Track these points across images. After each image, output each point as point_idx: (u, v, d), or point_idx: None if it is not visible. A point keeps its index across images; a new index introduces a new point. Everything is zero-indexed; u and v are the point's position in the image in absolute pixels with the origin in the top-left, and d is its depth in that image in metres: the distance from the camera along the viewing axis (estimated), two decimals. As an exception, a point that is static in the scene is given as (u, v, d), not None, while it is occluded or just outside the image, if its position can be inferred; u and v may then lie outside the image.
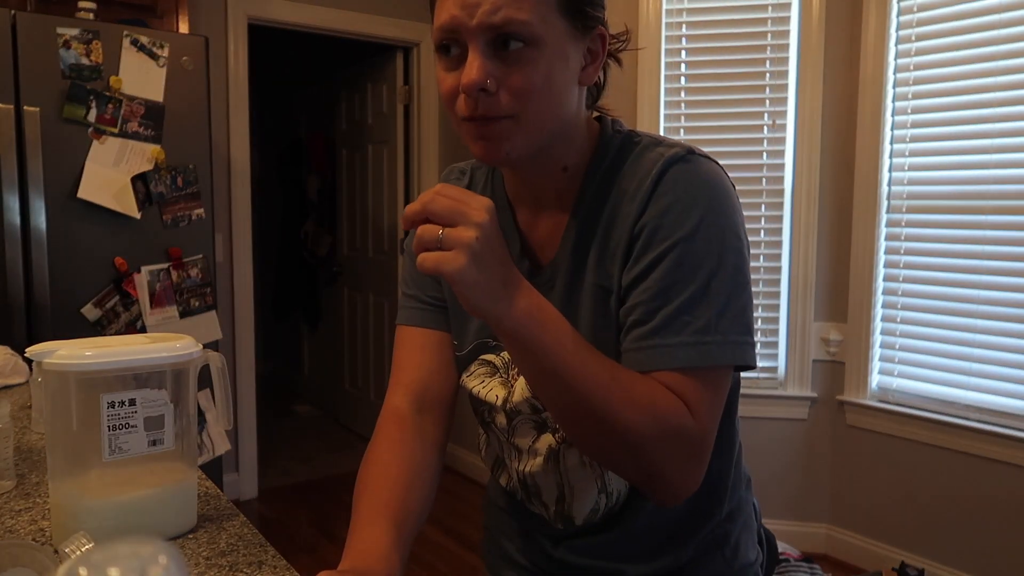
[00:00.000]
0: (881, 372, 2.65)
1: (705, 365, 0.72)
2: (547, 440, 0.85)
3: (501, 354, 0.87)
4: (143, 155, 2.39)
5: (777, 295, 2.73)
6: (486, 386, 0.87)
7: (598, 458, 0.78)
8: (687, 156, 0.77)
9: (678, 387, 0.72)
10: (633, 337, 0.74)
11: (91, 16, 2.36)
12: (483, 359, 0.88)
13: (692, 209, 0.74)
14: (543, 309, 0.69)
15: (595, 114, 0.87)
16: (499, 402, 0.85)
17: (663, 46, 2.77)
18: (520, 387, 0.84)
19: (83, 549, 0.61)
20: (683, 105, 2.79)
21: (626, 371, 0.73)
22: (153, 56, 2.39)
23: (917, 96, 2.51)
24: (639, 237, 0.76)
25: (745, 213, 0.82)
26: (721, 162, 0.82)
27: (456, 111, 0.74)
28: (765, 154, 2.74)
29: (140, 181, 2.39)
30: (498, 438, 0.91)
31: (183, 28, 2.74)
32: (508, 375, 0.86)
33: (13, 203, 2.20)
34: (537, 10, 0.70)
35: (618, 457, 0.74)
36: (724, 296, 0.74)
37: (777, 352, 2.76)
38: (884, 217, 2.60)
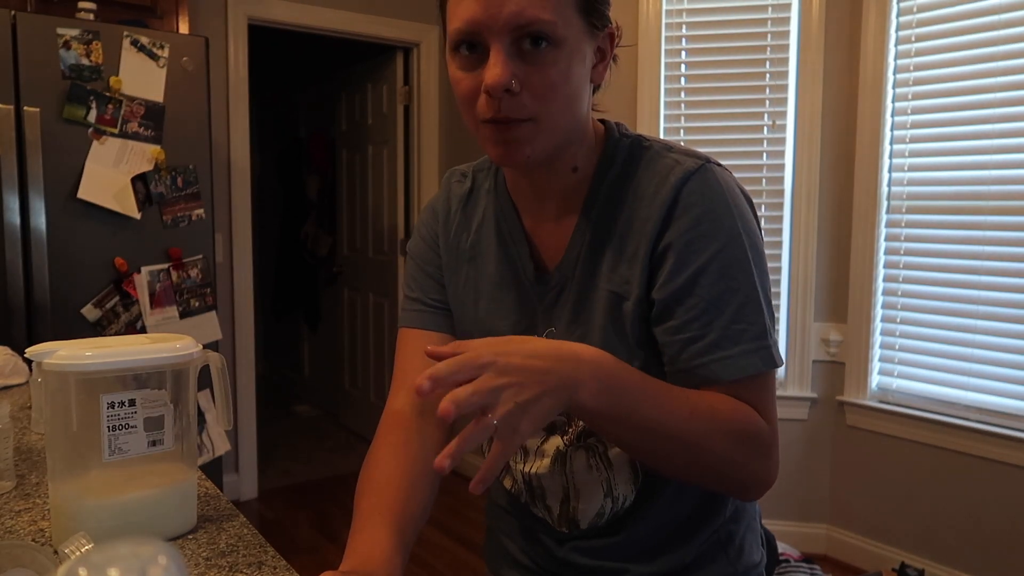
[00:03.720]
0: (881, 372, 2.65)
1: (767, 369, 0.75)
2: (555, 442, 0.85)
3: None
4: (143, 155, 2.39)
5: (777, 295, 2.73)
6: None
7: (684, 479, 0.80)
8: (704, 167, 0.78)
9: (744, 394, 0.75)
10: (693, 353, 0.75)
11: (91, 16, 2.36)
12: None
13: (721, 220, 0.75)
14: (606, 373, 0.68)
15: (597, 115, 0.87)
16: None
17: (663, 46, 2.77)
18: None
19: (83, 550, 0.61)
20: (683, 105, 2.79)
21: (699, 396, 0.74)
22: (153, 56, 2.39)
23: (917, 96, 2.51)
24: (667, 253, 0.76)
25: (745, 213, 0.83)
26: (721, 163, 0.82)
27: (476, 113, 0.73)
28: (765, 154, 2.74)
29: (140, 181, 2.39)
30: None
31: (183, 28, 2.74)
32: None
33: (13, 203, 2.20)
34: (559, 10, 0.70)
35: (706, 476, 0.76)
36: (765, 299, 0.77)
37: (777, 352, 2.75)
38: (884, 217, 2.60)
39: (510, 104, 0.71)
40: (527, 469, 0.88)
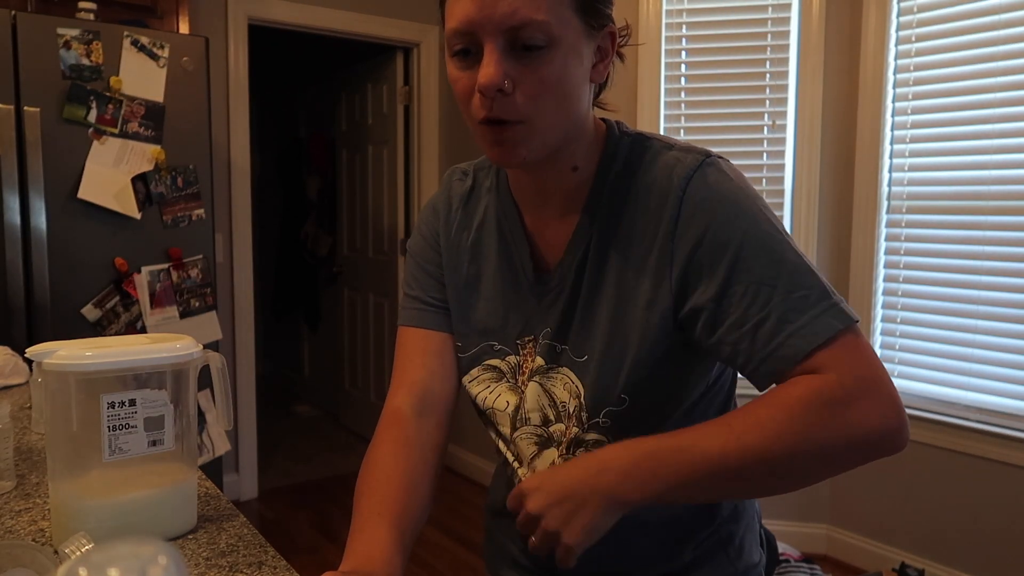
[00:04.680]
0: (881, 372, 2.65)
1: (845, 325, 0.69)
2: (551, 456, 0.84)
3: (507, 358, 0.86)
4: (143, 155, 2.39)
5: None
6: (492, 392, 0.86)
7: (797, 488, 0.74)
8: (705, 162, 0.77)
9: (828, 363, 0.68)
10: (764, 338, 0.70)
11: (91, 16, 2.36)
12: (487, 364, 0.87)
13: (736, 206, 0.74)
14: (635, 463, 0.69)
15: (599, 115, 0.86)
16: (509, 408, 0.85)
17: (663, 46, 2.77)
18: (532, 394, 0.83)
19: (83, 549, 0.61)
20: (683, 105, 2.79)
21: (740, 416, 0.70)
22: (153, 56, 2.39)
23: (917, 96, 2.51)
24: (694, 256, 0.74)
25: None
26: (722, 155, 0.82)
27: (472, 112, 0.73)
28: (765, 154, 2.74)
29: (140, 181, 2.39)
30: (503, 442, 0.90)
31: (183, 28, 2.74)
32: (517, 380, 0.85)
33: (13, 203, 2.20)
34: (554, 9, 0.69)
35: (809, 471, 0.71)
36: (811, 264, 0.73)
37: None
38: (884, 217, 2.60)
39: (503, 104, 0.71)
40: (525, 475, 0.87)
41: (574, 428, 0.82)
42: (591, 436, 0.81)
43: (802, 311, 0.70)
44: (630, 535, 0.85)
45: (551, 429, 0.83)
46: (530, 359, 0.84)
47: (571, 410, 0.81)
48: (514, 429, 0.85)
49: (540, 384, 0.83)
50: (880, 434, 0.68)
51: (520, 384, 0.84)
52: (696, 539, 0.87)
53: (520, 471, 0.88)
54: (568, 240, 0.82)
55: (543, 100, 0.71)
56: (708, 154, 0.78)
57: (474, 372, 0.88)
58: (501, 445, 0.91)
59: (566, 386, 0.81)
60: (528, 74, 0.70)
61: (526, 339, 0.85)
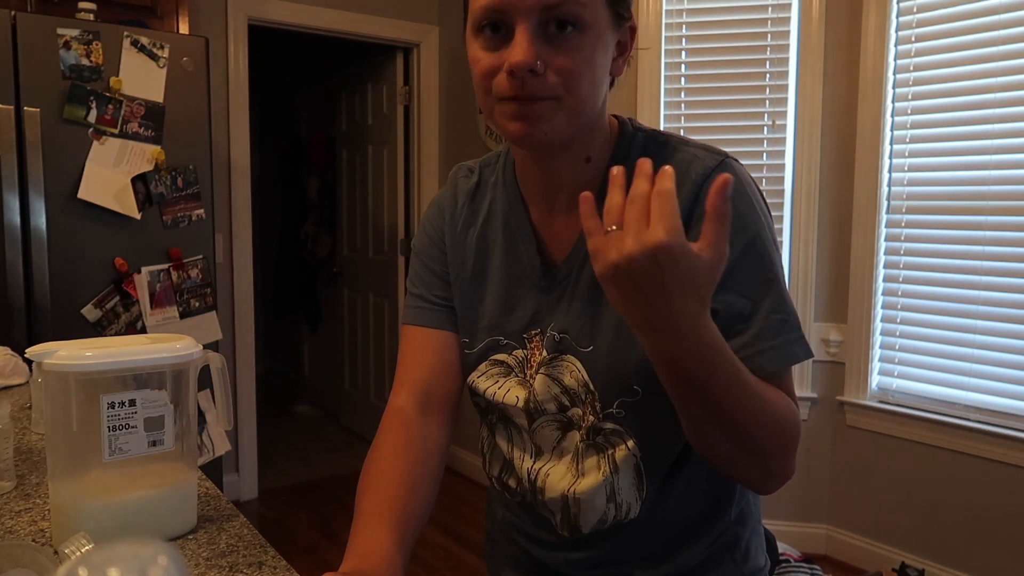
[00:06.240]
0: (881, 372, 2.65)
1: (804, 359, 0.76)
2: (574, 438, 0.83)
3: (514, 352, 0.85)
4: (143, 156, 2.39)
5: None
6: (502, 387, 0.86)
7: (720, 456, 0.75)
8: (724, 162, 0.78)
9: (778, 384, 0.75)
10: (738, 346, 0.73)
11: (91, 17, 2.36)
12: (495, 359, 0.87)
13: (746, 215, 0.76)
14: (713, 343, 0.65)
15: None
16: (520, 403, 0.84)
17: (663, 46, 2.77)
18: (541, 385, 0.83)
19: (83, 550, 0.61)
20: (683, 105, 2.80)
21: (756, 382, 0.71)
22: (153, 57, 2.40)
23: (917, 96, 2.51)
24: None
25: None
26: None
27: (494, 91, 0.73)
28: (765, 154, 2.74)
29: (140, 182, 2.40)
30: (509, 439, 0.89)
31: (183, 29, 2.74)
32: (525, 374, 0.85)
33: (13, 203, 2.21)
34: None
35: (746, 454, 0.73)
36: (785, 287, 0.77)
37: (777, 352, 2.75)
38: (884, 217, 2.60)
39: (532, 83, 0.70)
40: (538, 467, 0.87)
41: (590, 416, 0.81)
42: (608, 425, 0.81)
43: (778, 333, 0.75)
44: (636, 535, 0.85)
45: (569, 414, 0.83)
46: (538, 352, 0.84)
47: (583, 397, 0.81)
48: (532, 421, 0.85)
49: (547, 375, 0.82)
50: (786, 477, 0.75)
51: (528, 378, 0.84)
52: (702, 541, 0.86)
53: (537, 465, 0.87)
54: (576, 234, 0.82)
55: (573, 82, 0.72)
56: (726, 155, 0.79)
57: (482, 367, 0.88)
58: (501, 442, 0.91)
59: (572, 374, 0.81)
60: (558, 57, 0.70)
61: (533, 333, 0.85)
